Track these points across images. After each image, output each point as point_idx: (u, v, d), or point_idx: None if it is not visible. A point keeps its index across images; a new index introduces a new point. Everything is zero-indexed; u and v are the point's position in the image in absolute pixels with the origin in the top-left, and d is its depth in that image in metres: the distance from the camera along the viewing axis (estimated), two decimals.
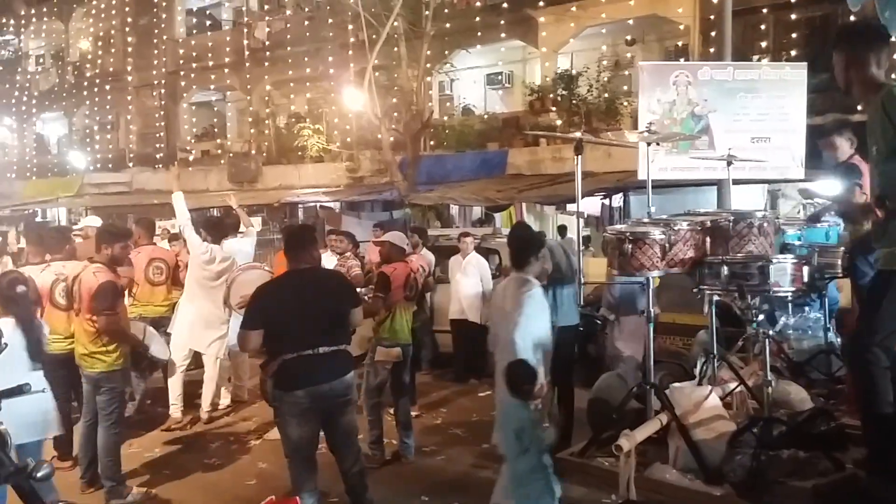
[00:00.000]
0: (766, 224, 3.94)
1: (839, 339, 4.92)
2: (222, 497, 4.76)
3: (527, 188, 13.30)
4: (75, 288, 4.79)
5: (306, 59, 17.43)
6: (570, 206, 12.79)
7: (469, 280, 7.82)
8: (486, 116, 16.60)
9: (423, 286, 6.44)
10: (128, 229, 6.15)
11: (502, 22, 15.54)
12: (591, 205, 12.65)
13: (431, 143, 16.31)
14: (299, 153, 18.33)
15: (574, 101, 14.60)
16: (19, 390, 3.60)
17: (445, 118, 17.08)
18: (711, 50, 11.66)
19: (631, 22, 14.81)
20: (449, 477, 5.12)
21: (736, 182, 7.40)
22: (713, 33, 11.24)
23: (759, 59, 12.68)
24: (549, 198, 12.82)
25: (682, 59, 13.71)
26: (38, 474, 2.98)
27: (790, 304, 4.74)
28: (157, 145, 21.61)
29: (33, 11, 24.11)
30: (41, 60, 26.00)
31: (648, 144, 4.44)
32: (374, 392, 5.43)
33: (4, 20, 24.57)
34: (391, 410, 5.65)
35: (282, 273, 4.08)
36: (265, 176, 18.76)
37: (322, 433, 3.92)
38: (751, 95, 8.44)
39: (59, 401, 5.22)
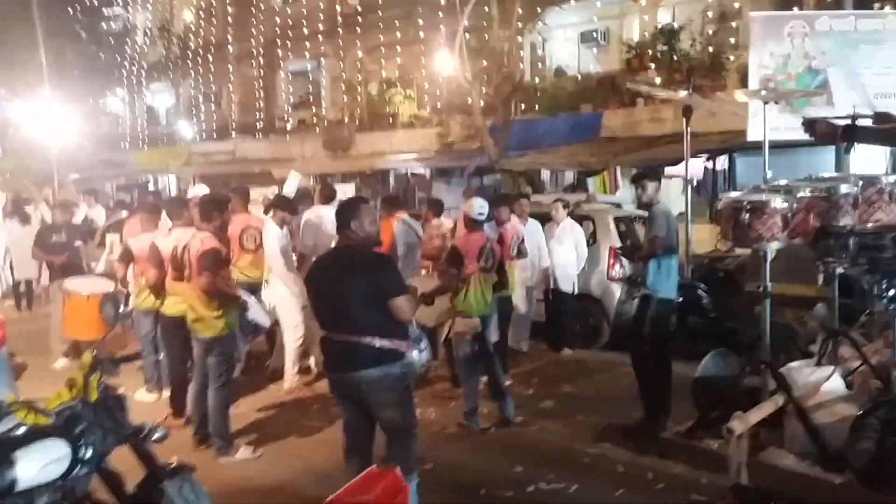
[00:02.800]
0: None
1: None
2: (324, 459, 4.89)
3: (622, 152, 12.84)
4: (185, 256, 5.03)
5: (397, 23, 17.38)
6: (669, 170, 12.24)
7: (562, 248, 7.63)
8: (579, 77, 16.05)
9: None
10: (226, 196, 6.35)
11: None
12: (693, 168, 12.03)
13: (522, 106, 15.96)
14: (390, 120, 18.44)
15: (675, 58, 13.84)
16: (136, 356, 3.79)
17: (537, 80, 16.67)
18: None
19: None
20: (544, 448, 5.06)
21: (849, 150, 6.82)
22: None
23: (882, 7, 11.53)
24: (646, 162, 12.29)
25: (796, 9, 12.67)
26: (155, 436, 3.17)
27: None
28: (258, 114, 22.31)
29: None
30: (148, 33, 27.23)
31: (765, 104, 4.10)
32: (463, 363, 5.43)
33: None
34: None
35: (330, 248, 3.99)
36: (358, 143, 19.04)
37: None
38: (874, 47, 7.76)
39: (176, 361, 5.61)
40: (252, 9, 22.07)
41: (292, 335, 6.58)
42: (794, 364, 3.74)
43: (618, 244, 8.06)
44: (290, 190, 7.02)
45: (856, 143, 3.88)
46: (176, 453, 3.77)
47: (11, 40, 19.37)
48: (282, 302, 6.48)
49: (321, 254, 4.11)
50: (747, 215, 3.29)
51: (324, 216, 7.21)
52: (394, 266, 3.87)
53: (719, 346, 5.07)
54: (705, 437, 3.59)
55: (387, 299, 3.54)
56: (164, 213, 6.35)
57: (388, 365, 3.53)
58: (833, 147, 8.72)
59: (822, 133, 3.53)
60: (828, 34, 7.98)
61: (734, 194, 3.70)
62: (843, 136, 3.00)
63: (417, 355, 3.73)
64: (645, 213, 5.35)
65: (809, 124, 3.65)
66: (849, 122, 3.13)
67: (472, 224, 5.57)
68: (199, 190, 8.99)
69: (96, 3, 25.36)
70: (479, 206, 5.59)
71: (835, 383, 3.56)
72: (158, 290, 5.67)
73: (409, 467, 3.41)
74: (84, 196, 13.14)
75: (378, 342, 3.50)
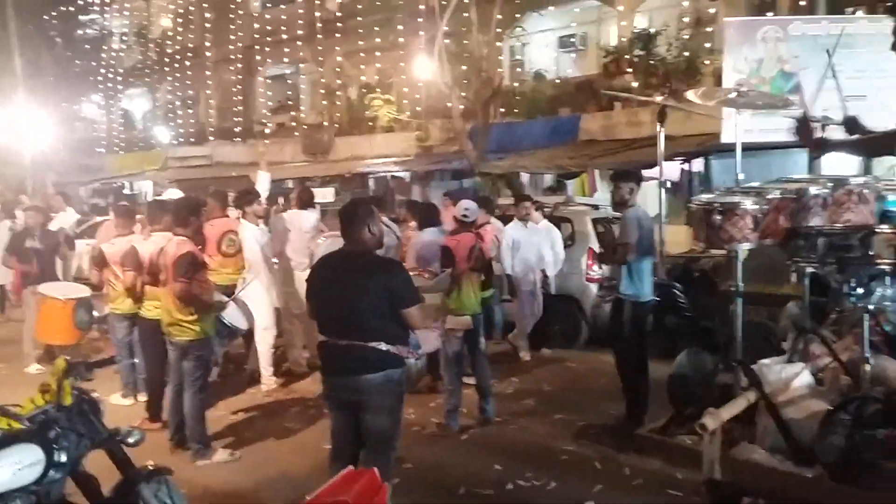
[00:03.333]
0: (866, 191, 3.66)
1: None
2: (302, 461, 4.89)
3: (600, 154, 12.93)
4: (161, 259, 5.00)
5: (377, 28, 17.38)
6: (646, 172, 12.35)
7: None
8: (557, 81, 16.16)
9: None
10: (201, 200, 6.31)
11: None
12: (670, 170, 12.17)
13: (502, 110, 16.01)
14: (370, 124, 18.43)
15: (652, 62, 14.00)
16: (110, 361, 3.77)
17: (516, 84, 16.73)
18: (802, 2, 10.91)
19: None
20: (522, 447, 5.11)
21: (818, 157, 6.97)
22: None
23: (854, 12, 11.78)
24: (624, 164, 12.39)
25: (769, 14, 12.90)
26: (130, 440, 3.15)
27: (887, 276, 4.43)
28: (235, 119, 22.17)
29: None
30: (125, 38, 26.96)
31: (739, 112, 4.17)
32: (450, 361, 5.49)
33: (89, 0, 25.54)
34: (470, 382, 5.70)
35: (335, 250, 3.89)
36: (337, 147, 18.98)
37: None
38: (846, 51, 7.90)
39: (154, 365, 5.56)
40: (230, 14, 21.93)
41: (265, 337, 6.55)
42: (765, 361, 3.80)
43: (596, 245, 8.15)
44: (262, 189, 6.97)
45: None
46: (153, 457, 3.76)
47: None
48: (256, 303, 6.44)
49: (323, 256, 4.02)
50: (719, 217, 3.34)
51: (298, 220, 7.22)
52: (408, 274, 3.82)
53: (695, 345, 5.15)
54: (680, 433, 3.64)
55: (401, 308, 3.52)
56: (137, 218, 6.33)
57: (391, 370, 3.52)
58: (805, 149, 8.89)
59: (804, 133, 3.60)
60: (800, 38, 8.13)
61: (706, 197, 3.76)
62: (815, 145, 3.06)
63: (413, 361, 3.76)
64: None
65: (800, 123, 3.71)
66: (819, 134, 3.18)
67: (462, 225, 5.67)
68: (172, 194, 8.94)
69: (72, 8, 25.12)
70: (464, 208, 5.71)
71: (805, 380, 3.62)
72: (137, 293, 5.62)
73: (387, 475, 3.35)
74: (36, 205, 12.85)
75: (384, 347, 3.48)
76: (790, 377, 3.58)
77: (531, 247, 7.54)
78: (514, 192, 14.69)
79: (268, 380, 6.57)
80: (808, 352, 4.04)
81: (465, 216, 5.68)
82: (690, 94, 4.64)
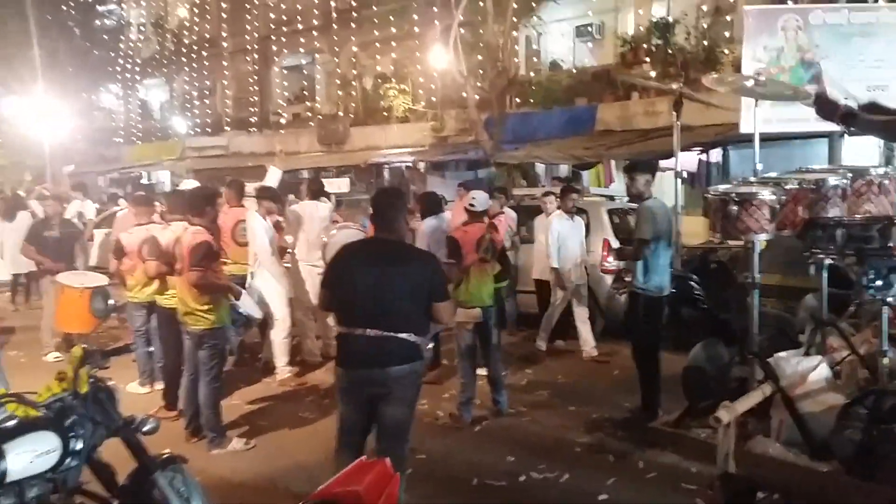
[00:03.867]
0: (886, 181, 3.60)
1: None
2: (316, 451, 4.91)
3: (616, 145, 12.82)
4: (177, 249, 5.04)
5: (392, 18, 17.32)
6: (664, 163, 12.23)
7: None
8: (574, 71, 16.03)
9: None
10: (216, 190, 6.34)
11: None
12: (688, 160, 12.03)
13: (517, 100, 15.94)
14: (385, 114, 18.41)
15: (670, 51, 13.83)
16: (126, 349, 3.83)
17: (532, 74, 16.62)
18: None
19: None
20: (535, 439, 5.11)
21: (851, 134, 6.86)
22: None
23: (876, 1, 11.55)
24: (641, 154, 12.27)
25: (789, 2, 12.69)
26: (145, 428, 3.18)
27: None
28: (252, 109, 22.27)
29: None
30: (142, 29, 27.11)
31: (757, 104, 4.11)
32: (464, 353, 5.46)
33: None
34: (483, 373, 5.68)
35: (366, 238, 3.88)
36: (353, 137, 19.00)
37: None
38: (867, 40, 7.78)
39: (170, 353, 5.61)
40: (246, 4, 21.96)
41: (279, 328, 6.58)
42: (782, 354, 3.76)
43: (612, 236, 8.09)
44: (272, 184, 7.01)
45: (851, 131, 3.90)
46: (169, 445, 3.79)
47: (5, 37, 19.31)
48: (269, 294, 6.48)
49: (347, 244, 3.79)
50: (735, 207, 3.29)
51: (312, 210, 7.24)
52: (442, 268, 3.77)
53: (712, 337, 5.11)
54: (694, 426, 3.61)
55: (437, 301, 3.50)
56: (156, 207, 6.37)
57: (416, 362, 3.49)
58: (826, 139, 8.74)
59: (825, 109, 3.50)
60: (821, 27, 7.98)
61: (722, 187, 3.70)
62: (843, 119, 3.00)
63: (427, 353, 3.77)
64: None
65: (817, 99, 3.63)
66: (851, 104, 3.12)
67: (471, 215, 5.64)
68: (189, 185, 8.98)
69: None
70: (471, 197, 5.70)
71: (822, 373, 3.58)
72: (161, 282, 5.66)
73: (402, 466, 3.35)
74: (73, 191, 13.02)
75: (413, 338, 3.43)
76: (807, 370, 3.54)
77: (576, 239, 7.42)
78: (529, 183, 14.66)
79: (282, 370, 6.61)
80: (826, 344, 3.99)
81: (471, 206, 5.66)
82: (708, 80, 4.57)
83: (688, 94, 4.59)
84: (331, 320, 7.16)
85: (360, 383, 3.50)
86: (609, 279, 7.97)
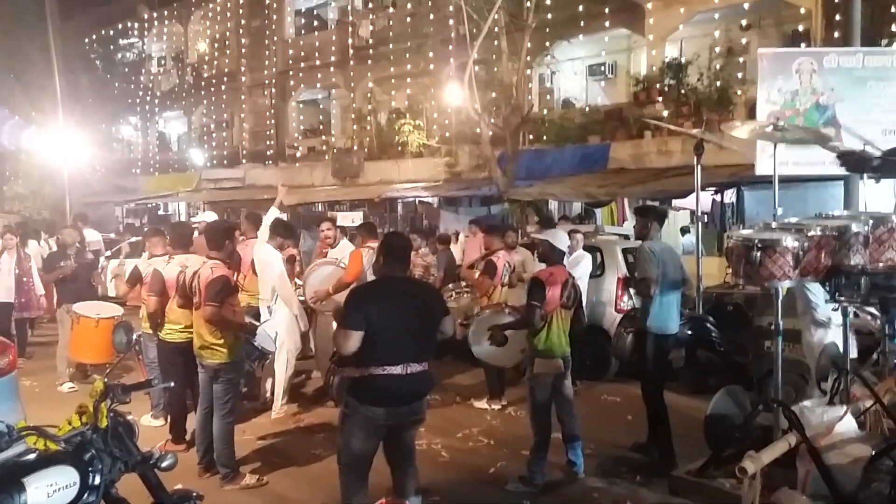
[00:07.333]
0: None
1: None
2: (327, 491, 4.87)
3: (630, 183, 12.87)
4: (195, 283, 5.04)
5: (407, 55, 17.63)
6: (678, 202, 12.25)
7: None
8: (587, 109, 16.19)
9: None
10: (234, 223, 6.38)
11: (607, 10, 15.06)
12: (702, 200, 12.04)
13: (531, 137, 16.09)
14: (399, 148, 18.60)
15: (683, 91, 13.96)
16: (148, 384, 3.83)
17: (545, 111, 16.80)
18: (836, 34, 10.81)
19: (746, 6, 13.97)
20: (550, 481, 4.94)
21: (878, 181, 6.85)
22: (838, 16, 10.42)
23: (889, 44, 11.65)
24: (655, 194, 12.33)
25: (802, 45, 12.81)
26: (164, 464, 3.15)
27: None
28: (268, 142, 22.56)
29: (155, 15, 25.70)
30: (163, 62, 27.69)
31: (775, 146, 4.13)
32: (541, 409, 4.95)
33: (129, 24, 26.32)
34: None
35: (381, 277, 3.83)
36: (367, 171, 19.17)
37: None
38: (882, 84, 7.79)
39: (177, 387, 5.58)
40: (265, 40, 22.45)
41: (289, 362, 6.53)
42: (806, 403, 3.70)
43: (626, 275, 8.07)
44: (267, 221, 6.99)
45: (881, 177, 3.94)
46: (179, 480, 3.76)
47: (28, 69, 19.77)
48: (288, 327, 6.47)
49: (366, 285, 4.00)
50: (758, 254, 3.27)
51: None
52: (439, 290, 4.04)
53: (728, 380, 5.05)
54: (718, 475, 3.53)
55: (439, 322, 3.73)
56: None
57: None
58: (841, 182, 8.72)
59: (853, 164, 3.54)
60: (835, 71, 8.02)
61: (745, 232, 3.69)
62: (873, 168, 3.01)
63: None
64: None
65: (843, 156, 3.68)
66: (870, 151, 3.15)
67: (558, 256, 5.13)
68: (207, 216, 9.04)
69: (112, 32, 25.92)
70: (565, 239, 5.32)
71: (848, 423, 3.51)
72: (157, 317, 5.64)
73: (418, 489, 3.60)
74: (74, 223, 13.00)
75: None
76: (832, 420, 3.48)
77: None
78: (541, 220, 14.68)
79: (279, 405, 6.52)
80: (849, 393, 3.94)
81: (554, 248, 5.07)
82: (731, 129, 4.61)
83: (708, 139, 4.61)
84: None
85: (396, 416, 3.60)
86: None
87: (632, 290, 7.68)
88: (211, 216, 8.77)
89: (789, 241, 3.30)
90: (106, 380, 3.05)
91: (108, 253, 12.28)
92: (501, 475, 5.15)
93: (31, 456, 2.76)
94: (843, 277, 3.39)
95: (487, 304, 6.79)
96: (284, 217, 7.48)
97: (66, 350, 7.37)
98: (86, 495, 2.76)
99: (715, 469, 3.62)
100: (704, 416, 4.39)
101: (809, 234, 3.34)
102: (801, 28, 13.88)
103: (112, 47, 26.06)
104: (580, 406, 6.90)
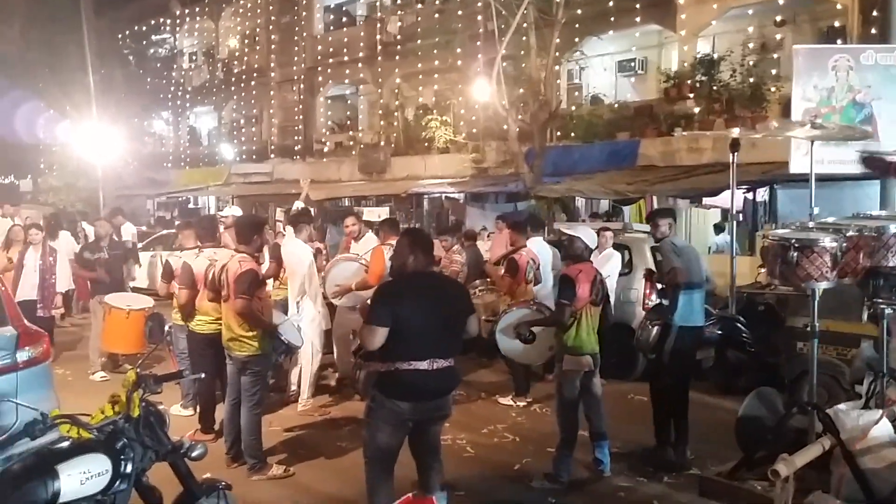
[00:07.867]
0: None
1: None
2: (353, 484, 4.89)
3: (659, 181, 12.70)
4: (223, 276, 5.10)
5: (435, 51, 17.63)
6: (709, 200, 12.08)
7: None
8: (616, 105, 16.02)
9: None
10: (263, 219, 6.42)
11: (637, 6, 14.88)
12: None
13: (558, 133, 15.96)
14: (426, 144, 18.61)
15: (714, 87, 13.74)
16: (179, 374, 3.88)
17: (573, 108, 16.66)
18: (873, 31, 10.56)
19: (781, 1, 13.69)
20: (576, 479, 4.91)
21: None
22: (875, 12, 10.18)
23: None
24: (685, 192, 12.18)
25: (838, 42, 12.52)
26: (193, 454, 3.20)
27: None
28: (296, 137, 22.73)
29: (187, 11, 26.00)
30: (194, 58, 28.04)
31: (812, 143, 4.04)
32: (569, 406, 4.92)
33: (161, 20, 26.69)
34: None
35: (408, 274, 3.75)
36: (393, 166, 19.21)
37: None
38: None
39: (206, 377, 5.65)
40: (294, 36, 22.59)
41: (315, 357, 6.56)
42: (841, 407, 3.62)
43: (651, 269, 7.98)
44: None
45: None
46: (208, 469, 3.81)
47: (63, 64, 20.17)
48: (314, 322, 6.49)
49: (394, 281, 3.85)
50: (795, 254, 3.20)
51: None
52: (465, 287, 4.24)
53: (759, 381, 4.97)
54: (750, 478, 3.48)
55: (466, 319, 3.75)
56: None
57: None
58: (878, 182, 8.54)
59: (877, 167, 3.47)
60: (873, 68, 7.82)
61: (781, 231, 3.61)
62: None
63: None
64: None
65: (865, 159, 3.61)
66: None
67: (586, 253, 5.15)
68: (233, 211, 9.13)
69: (144, 28, 26.32)
70: (593, 236, 5.35)
71: (884, 427, 3.43)
72: (188, 308, 5.74)
73: (443, 483, 3.65)
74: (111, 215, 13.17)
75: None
76: (868, 425, 3.40)
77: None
78: (569, 217, 14.58)
79: (305, 399, 6.54)
80: (885, 396, 3.84)
81: (582, 243, 5.09)
82: (787, 128, 4.54)
83: (743, 134, 4.53)
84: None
85: (423, 412, 3.62)
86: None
87: (658, 285, 7.59)
88: (236, 211, 8.86)
89: (827, 242, 3.22)
90: (138, 370, 3.11)
91: (141, 245, 12.46)
92: (526, 472, 5.12)
93: (65, 444, 2.83)
94: (882, 279, 3.31)
95: (514, 300, 6.76)
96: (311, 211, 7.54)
97: (99, 340, 7.51)
98: (118, 483, 2.81)
99: (747, 471, 3.56)
100: (736, 417, 4.32)
101: (847, 234, 3.26)
102: (836, 24, 13.57)
103: (144, 43, 26.45)
104: (606, 405, 6.87)
